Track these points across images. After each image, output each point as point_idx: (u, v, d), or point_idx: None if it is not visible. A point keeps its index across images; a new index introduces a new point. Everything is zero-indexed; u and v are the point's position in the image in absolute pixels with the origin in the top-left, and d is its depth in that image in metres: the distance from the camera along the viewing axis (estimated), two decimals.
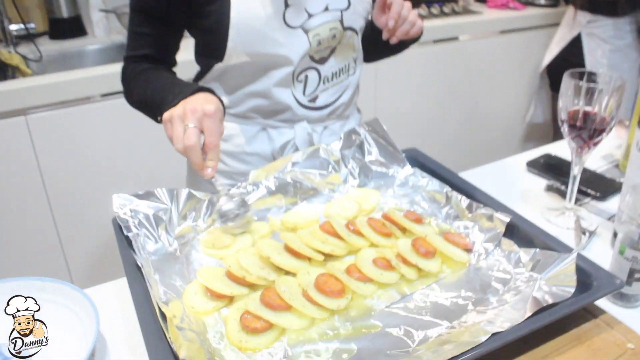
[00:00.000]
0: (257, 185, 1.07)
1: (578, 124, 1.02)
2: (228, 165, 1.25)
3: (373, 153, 1.16)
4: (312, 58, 1.17)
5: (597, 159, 1.38)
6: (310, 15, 1.12)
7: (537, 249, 0.88)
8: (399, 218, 0.98)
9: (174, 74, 1.16)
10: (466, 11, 2.98)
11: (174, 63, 1.21)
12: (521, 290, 0.83)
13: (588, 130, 1.02)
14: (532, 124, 3.20)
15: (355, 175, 1.14)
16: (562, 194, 1.21)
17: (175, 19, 1.12)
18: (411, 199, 1.09)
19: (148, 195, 0.97)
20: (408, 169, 1.16)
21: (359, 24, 1.21)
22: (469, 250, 0.94)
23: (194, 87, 0.96)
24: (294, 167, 1.10)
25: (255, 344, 0.74)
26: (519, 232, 0.94)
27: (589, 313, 0.82)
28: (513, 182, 1.28)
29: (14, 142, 1.94)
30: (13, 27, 2.43)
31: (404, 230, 0.98)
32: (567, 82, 1.02)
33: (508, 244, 0.92)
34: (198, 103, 0.90)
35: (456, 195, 1.04)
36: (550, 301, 0.77)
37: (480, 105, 3.04)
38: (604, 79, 1.02)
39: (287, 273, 0.88)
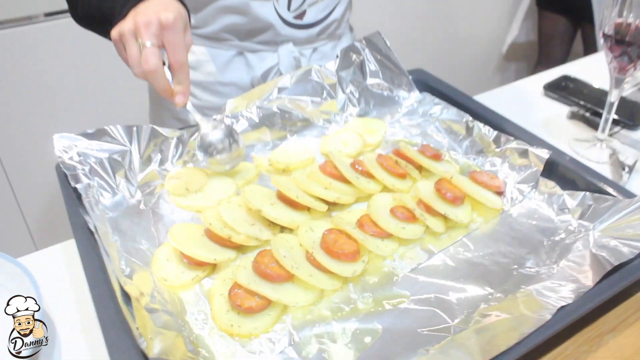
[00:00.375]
0: (237, 118, 0.87)
1: (627, 38, 0.84)
2: (198, 98, 1.03)
3: (375, 75, 0.96)
4: None
5: None
6: None
7: (587, 193, 0.72)
8: (414, 154, 0.80)
9: None
10: None
11: None
12: (571, 244, 0.68)
13: (638, 46, 0.84)
14: (515, 44, 3.00)
15: (354, 102, 0.94)
16: (589, 123, 1.04)
17: None
18: (423, 130, 0.91)
19: (100, 135, 0.76)
20: (416, 93, 0.97)
21: None
22: (500, 193, 0.77)
23: None
24: (280, 94, 0.90)
25: (251, 328, 0.57)
26: (560, 171, 0.78)
27: None
28: (530, 108, 1.11)
29: None
30: None
31: (419, 169, 0.81)
32: None
33: (547, 185, 0.76)
34: (151, 12, 0.68)
35: (479, 126, 0.86)
36: (613, 261, 0.62)
37: (459, 25, 2.82)
38: None
39: (284, 229, 0.70)
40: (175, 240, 0.65)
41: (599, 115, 1.08)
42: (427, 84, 0.99)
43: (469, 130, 0.87)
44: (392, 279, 0.64)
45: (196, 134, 0.82)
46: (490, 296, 0.62)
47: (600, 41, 0.89)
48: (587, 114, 1.06)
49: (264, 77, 1.02)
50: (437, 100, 0.95)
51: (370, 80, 0.96)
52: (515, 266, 0.66)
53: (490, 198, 0.74)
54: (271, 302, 0.59)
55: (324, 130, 0.91)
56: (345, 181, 0.75)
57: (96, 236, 0.63)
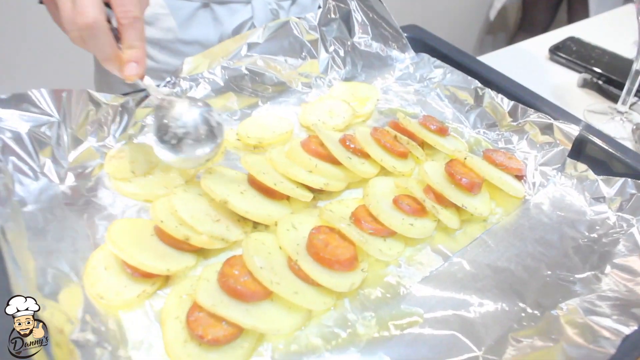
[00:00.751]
0: (196, 80, 0.70)
1: None
2: (154, 59, 0.84)
3: (364, 31, 0.80)
4: None
5: (624, 44, 1.08)
6: None
7: (628, 179, 0.59)
8: (417, 128, 0.65)
9: None
10: None
11: None
12: (613, 243, 0.55)
13: None
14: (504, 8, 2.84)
15: (339, 63, 0.78)
16: (602, 92, 0.92)
17: None
18: (422, 98, 0.76)
19: (18, 101, 0.58)
20: (412, 54, 0.82)
21: None
22: (520, 177, 0.64)
23: None
24: (251, 52, 0.73)
25: None
26: (592, 152, 0.64)
27: None
28: (536, 74, 0.97)
29: None
30: None
31: (421, 146, 0.66)
32: None
33: (577, 168, 0.63)
34: None
35: (491, 94, 0.72)
36: None
37: None
38: None
39: (258, 225, 0.55)
40: (115, 243, 0.49)
41: (614, 83, 0.95)
42: (425, 43, 0.83)
43: (478, 98, 0.73)
44: (398, 291, 0.50)
45: (146, 100, 0.65)
46: (523, 313, 0.49)
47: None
48: (601, 82, 0.93)
49: (235, 34, 0.84)
50: (437, 62, 0.79)
51: (358, 38, 0.80)
52: (549, 272, 0.53)
53: (512, 184, 0.61)
54: (244, 330, 0.45)
55: (304, 97, 0.75)
56: (334, 162, 0.60)
57: (1, 242, 0.46)
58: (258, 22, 0.84)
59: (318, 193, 0.59)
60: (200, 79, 0.70)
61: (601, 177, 0.61)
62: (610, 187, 0.60)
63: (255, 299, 0.46)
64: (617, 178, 0.60)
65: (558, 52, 1.02)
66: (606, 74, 0.93)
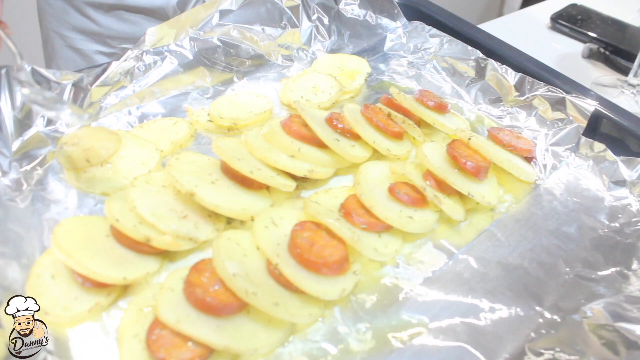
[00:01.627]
0: (161, 54, 0.62)
1: None
2: (97, 22, 0.75)
3: None
4: None
5: (629, 12, 1.01)
6: None
7: None
8: (412, 105, 0.58)
9: None
10: None
11: None
12: (638, 234, 0.48)
13: None
14: None
15: (324, 33, 0.70)
16: (610, 63, 0.85)
17: None
18: (417, 72, 0.69)
19: None
20: (404, 22, 0.74)
21: None
22: (530, 159, 0.57)
23: None
24: (223, 20, 0.65)
25: None
26: (609, 129, 0.57)
27: None
28: (538, 43, 0.90)
29: None
30: None
31: (418, 125, 0.59)
32: None
33: (594, 148, 0.56)
34: None
35: (495, 65, 0.64)
36: None
37: None
38: None
39: (231, 221, 0.48)
40: (61, 247, 0.41)
41: (622, 53, 0.88)
42: (418, 10, 0.75)
43: (480, 70, 0.65)
44: (397, 296, 0.43)
45: (102, 77, 0.57)
46: (540, 319, 0.42)
47: None
48: (608, 52, 0.86)
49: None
50: (432, 30, 0.72)
51: (344, 4, 0.72)
52: (567, 269, 0.46)
53: (522, 167, 0.54)
54: (214, 352, 0.37)
55: (284, 72, 0.67)
56: (320, 145, 0.52)
57: None
58: None
59: (302, 181, 0.52)
60: (166, 52, 0.62)
61: (621, 157, 0.54)
62: (632, 169, 0.53)
63: (228, 312, 0.38)
64: (637, 158, 0.53)
65: (560, 20, 0.94)
66: (614, 44, 0.86)
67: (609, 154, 0.55)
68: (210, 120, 0.59)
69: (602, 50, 0.87)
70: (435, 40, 0.71)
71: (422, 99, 0.60)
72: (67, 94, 0.55)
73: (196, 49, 0.63)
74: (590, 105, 0.57)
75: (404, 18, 0.75)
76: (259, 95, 0.62)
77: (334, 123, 0.54)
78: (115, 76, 0.57)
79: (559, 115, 0.59)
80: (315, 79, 0.64)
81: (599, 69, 0.85)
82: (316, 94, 0.62)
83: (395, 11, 0.74)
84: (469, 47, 0.67)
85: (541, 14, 0.97)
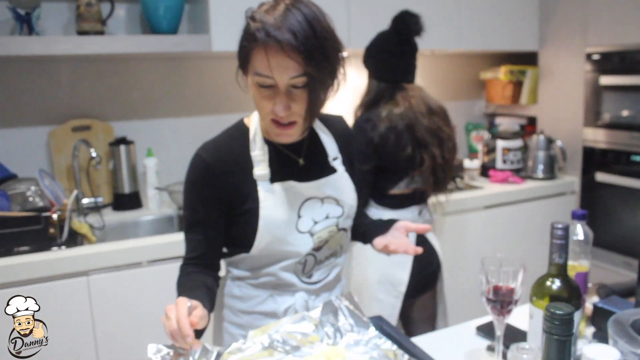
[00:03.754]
0: (254, 342, 1.45)
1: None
2: (242, 320, 1.66)
3: (345, 319, 1.54)
4: (312, 248, 1.57)
5: None
6: (315, 223, 1.55)
7: None
8: None
9: (203, 280, 1.52)
10: (469, 187, 3.48)
11: (218, 265, 1.60)
12: None
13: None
14: None
15: (330, 336, 1.51)
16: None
17: (218, 226, 1.53)
18: (371, 355, 1.44)
19: (174, 347, 1.36)
20: (372, 331, 1.52)
21: (349, 224, 1.65)
22: None
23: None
24: (282, 328, 1.49)
25: None
26: None
27: None
28: (462, 344, 1.62)
29: (76, 300, 2.40)
30: (85, 201, 3.02)
31: None
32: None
33: None
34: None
35: (402, 354, 1.39)
36: None
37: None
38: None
39: None
40: None
41: None
42: (381, 326, 1.54)
43: (396, 356, 1.40)
44: None
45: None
46: None
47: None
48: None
49: (285, 310, 1.64)
50: (382, 336, 1.49)
51: (340, 322, 1.53)
52: None
53: None
54: None
55: (309, 353, 1.46)
56: None
57: None
58: (297, 305, 1.60)
59: None
60: (255, 341, 1.45)
61: None
62: None
63: None
64: None
65: (480, 329, 1.67)
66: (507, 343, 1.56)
67: None
68: None
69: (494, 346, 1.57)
70: (382, 340, 1.48)
71: None
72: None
73: (270, 341, 1.46)
74: None
75: (373, 328, 1.53)
76: None
77: None
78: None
79: None
80: (319, 357, 1.42)
81: (491, 357, 1.54)
82: None
83: (369, 325, 1.54)
84: (394, 344, 1.43)
85: (471, 327, 1.70)
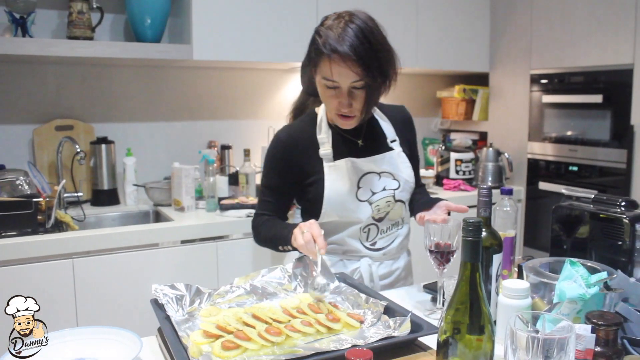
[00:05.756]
0: (239, 287, 1.70)
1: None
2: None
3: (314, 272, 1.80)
4: (373, 218, 1.85)
5: None
6: (373, 193, 1.84)
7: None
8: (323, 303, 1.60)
9: (285, 221, 1.90)
10: None
11: (286, 219, 1.93)
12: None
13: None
14: None
15: (301, 285, 1.77)
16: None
17: (289, 193, 1.90)
18: (336, 300, 1.70)
19: (173, 287, 1.60)
20: (337, 282, 1.79)
21: (406, 197, 1.91)
22: (362, 321, 1.54)
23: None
24: (262, 278, 1.75)
25: (228, 355, 1.33)
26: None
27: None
28: (412, 298, 1.90)
29: (61, 281, 2.58)
30: (66, 195, 3.21)
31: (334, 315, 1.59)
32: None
33: (384, 318, 1.53)
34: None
35: (362, 296, 1.66)
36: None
37: None
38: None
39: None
40: (203, 326, 1.43)
41: None
42: (347, 282, 1.81)
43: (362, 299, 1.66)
44: (294, 345, 1.38)
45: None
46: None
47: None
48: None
49: (352, 273, 1.87)
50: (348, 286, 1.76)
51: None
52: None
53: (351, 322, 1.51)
54: (239, 346, 1.35)
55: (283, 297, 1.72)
56: (291, 315, 1.54)
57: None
58: (362, 270, 1.87)
59: (275, 321, 1.52)
60: (239, 287, 1.70)
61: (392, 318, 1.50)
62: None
63: (244, 339, 1.37)
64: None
65: (427, 287, 1.95)
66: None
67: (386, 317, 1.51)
68: (251, 309, 1.63)
69: (435, 297, 1.85)
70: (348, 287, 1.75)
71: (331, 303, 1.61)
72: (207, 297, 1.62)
73: (250, 288, 1.71)
74: (384, 303, 1.56)
75: (337, 280, 1.80)
76: (270, 305, 1.67)
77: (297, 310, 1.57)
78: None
79: (376, 308, 1.57)
80: (294, 300, 1.68)
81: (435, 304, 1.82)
82: (291, 303, 1.65)
83: (334, 278, 1.81)
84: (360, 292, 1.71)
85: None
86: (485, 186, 1.57)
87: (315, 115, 1.87)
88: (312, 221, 1.62)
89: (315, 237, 1.55)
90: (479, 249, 1.11)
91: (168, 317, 1.46)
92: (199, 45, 3.12)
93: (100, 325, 1.44)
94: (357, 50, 1.55)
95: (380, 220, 1.87)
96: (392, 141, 1.91)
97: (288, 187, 1.87)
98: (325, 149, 1.82)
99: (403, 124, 1.96)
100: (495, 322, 1.23)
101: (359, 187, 1.81)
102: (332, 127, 1.84)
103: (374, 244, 1.90)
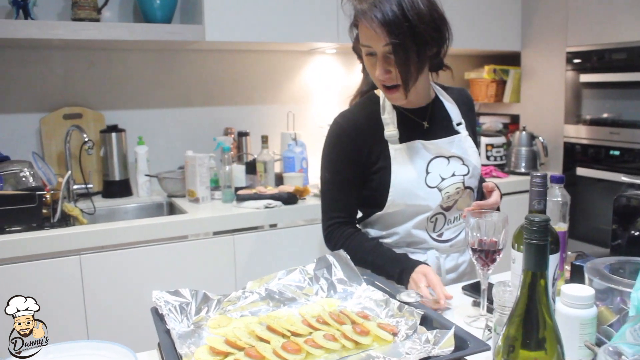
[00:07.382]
0: (252, 292, 1.50)
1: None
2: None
3: (339, 273, 1.59)
4: (441, 206, 1.72)
5: None
6: (443, 179, 1.71)
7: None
8: (349, 313, 1.39)
9: (372, 240, 1.77)
10: None
11: (356, 222, 1.80)
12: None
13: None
14: None
15: (324, 289, 1.56)
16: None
17: (359, 186, 1.74)
18: (363, 305, 1.50)
19: (177, 293, 1.41)
20: (364, 285, 1.58)
21: (475, 184, 1.80)
22: (395, 333, 1.33)
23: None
24: (279, 281, 1.54)
25: None
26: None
27: None
28: (450, 301, 1.69)
29: (68, 278, 2.42)
30: (75, 187, 3.05)
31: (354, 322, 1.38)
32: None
33: (421, 329, 1.31)
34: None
35: (393, 302, 1.44)
36: None
37: None
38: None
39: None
40: (209, 342, 1.23)
41: None
42: (375, 284, 1.60)
43: (387, 304, 1.45)
44: None
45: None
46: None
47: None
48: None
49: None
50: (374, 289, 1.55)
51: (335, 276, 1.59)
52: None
53: (384, 334, 1.30)
54: None
55: (304, 303, 1.51)
56: (311, 326, 1.34)
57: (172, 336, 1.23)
58: (429, 262, 1.72)
59: (293, 334, 1.32)
60: (253, 292, 1.50)
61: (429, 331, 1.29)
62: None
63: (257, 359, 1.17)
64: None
65: (465, 288, 1.73)
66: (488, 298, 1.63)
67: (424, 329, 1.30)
68: (267, 318, 1.43)
69: (479, 301, 1.63)
70: (374, 291, 1.53)
71: (359, 313, 1.40)
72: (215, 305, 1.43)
73: (266, 292, 1.51)
74: (421, 312, 1.34)
75: (365, 284, 1.59)
76: (288, 313, 1.46)
77: (319, 320, 1.36)
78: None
79: (411, 317, 1.36)
80: (314, 306, 1.48)
81: (476, 310, 1.60)
82: (313, 310, 1.45)
83: (361, 280, 1.60)
84: (385, 294, 1.49)
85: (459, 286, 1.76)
86: (539, 174, 1.33)
87: (376, 97, 1.76)
88: (429, 269, 1.57)
89: (434, 288, 1.51)
90: (546, 254, 0.88)
91: (168, 331, 1.26)
92: (212, 25, 2.91)
93: (87, 340, 1.25)
94: (382, 10, 1.47)
95: (448, 209, 1.76)
96: (459, 124, 1.80)
97: (358, 178, 1.73)
98: (390, 130, 1.69)
99: (467, 107, 1.87)
100: None
101: (427, 173, 1.69)
102: (396, 107, 1.73)
103: (440, 235, 1.78)
